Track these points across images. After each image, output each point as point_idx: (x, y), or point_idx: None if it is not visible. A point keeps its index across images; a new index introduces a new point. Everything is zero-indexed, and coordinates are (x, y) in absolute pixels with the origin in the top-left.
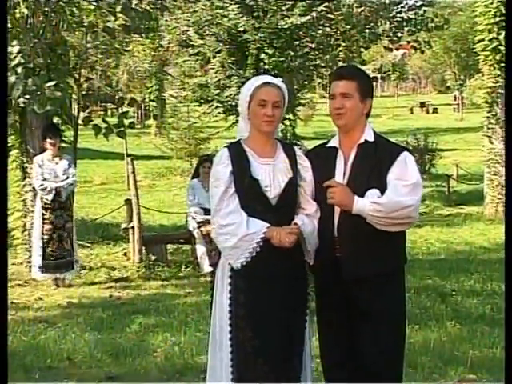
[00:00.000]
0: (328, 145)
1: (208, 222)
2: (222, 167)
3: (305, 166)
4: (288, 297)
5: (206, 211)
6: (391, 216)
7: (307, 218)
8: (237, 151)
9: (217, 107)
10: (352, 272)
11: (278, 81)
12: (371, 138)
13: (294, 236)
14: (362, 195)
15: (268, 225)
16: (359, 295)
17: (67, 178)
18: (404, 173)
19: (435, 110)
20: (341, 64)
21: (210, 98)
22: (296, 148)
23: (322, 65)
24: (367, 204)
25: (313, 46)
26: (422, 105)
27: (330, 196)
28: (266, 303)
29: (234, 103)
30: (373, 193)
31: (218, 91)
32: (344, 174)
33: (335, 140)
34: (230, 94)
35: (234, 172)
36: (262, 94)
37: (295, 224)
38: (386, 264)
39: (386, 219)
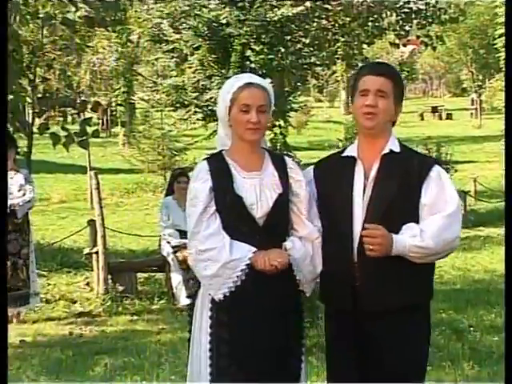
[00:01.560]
0: (344, 154)
1: (185, 246)
2: (201, 183)
3: (297, 180)
4: (279, 334)
5: (183, 234)
6: (436, 252)
7: (299, 242)
8: (218, 164)
9: (195, 113)
10: (374, 304)
11: (261, 80)
12: (397, 148)
13: (285, 260)
14: (385, 218)
15: (254, 249)
16: (377, 330)
17: (24, 194)
18: (441, 197)
19: (449, 116)
20: (339, 62)
21: (187, 102)
22: (287, 159)
23: (318, 63)
24: (408, 246)
25: (307, 41)
26: (434, 110)
27: (370, 248)
28: (253, 341)
29: (215, 108)
30: (412, 228)
31: (196, 94)
32: (364, 190)
33: (353, 148)
34: (211, 98)
35: (214, 188)
36: (245, 97)
37: (285, 248)
38: (413, 296)
39: (431, 257)
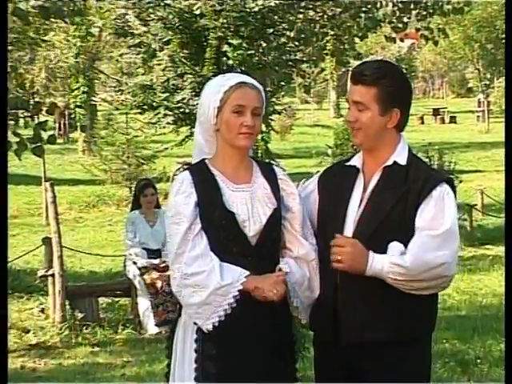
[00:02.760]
0: (349, 163)
1: (153, 267)
2: (184, 197)
3: (290, 193)
4: (273, 368)
5: (151, 253)
6: (418, 279)
7: (295, 264)
8: (202, 175)
9: (165, 115)
10: (354, 335)
11: (254, 81)
12: (403, 160)
13: (283, 286)
14: (375, 237)
15: (247, 272)
16: (364, 365)
17: None
18: (436, 217)
19: (453, 119)
20: (328, 59)
21: (155, 104)
22: (277, 169)
23: (304, 59)
24: (386, 264)
25: (291, 34)
26: (436, 112)
27: (335, 258)
28: (244, 375)
29: (187, 110)
30: (395, 247)
31: (166, 94)
32: (360, 203)
33: (358, 157)
34: (183, 99)
35: (200, 203)
36: (239, 97)
37: (280, 270)
38: (403, 330)
39: (412, 283)
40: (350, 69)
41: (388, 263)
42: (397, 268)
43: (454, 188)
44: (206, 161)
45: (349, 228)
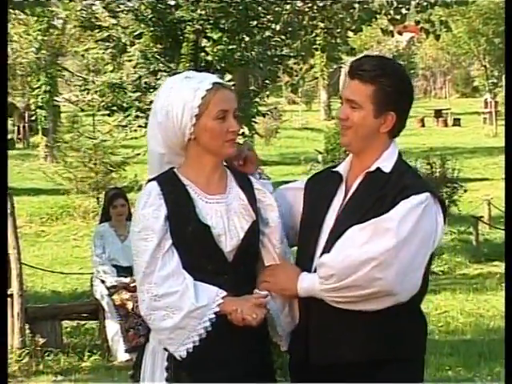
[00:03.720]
0: (336, 168)
1: (124, 286)
2: (152, 210)
3: (267, 204)
4: None
5: (121, 270)
6: (349, 284)
7: None
8: (172, 186)
9: (136, 117)
10: (324, 356)
11: (221, 79)
12: (387, 168)
13: (263, 310)
14: None
15: (224, 292)
16: None
17: None
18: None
19: (457, 122)
20: (318, 54)
21: (126, 105)
22: (253, 178)
23: (291, 55)
24: (316, 280)
25: (277, 27)
26: (438, 114)
27: (262, 282)
28: None
29: None
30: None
31: (137, 94)
32: (338, 211)
33: (346, 162)
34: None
35: (170, 216)
36: (221, 101)
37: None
38: (379, 350)
39: (344, 291)
40: (343, 65)
41: (317, 277)
42: (321, 270)
43: (442, 204)
44: (175, 170)
45: (324, 237)
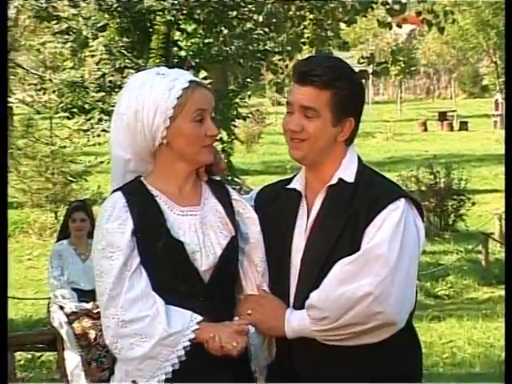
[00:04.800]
0: (289, 186)
1: (86, 313)
2: (117, 224)
3: (247, 217)
4: None
5: (82, 294)
6: (345, 323)
7: None
8: (139, 197)
9: (100, 121)
10: None
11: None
12: (350, 177)
13: (244, 338)
14: (324, 274)
15: (199, 317)
16: None
17: None
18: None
19: (464, 126)
20: (306, 50)
21: (88, 106)
22: (230, 188)
23: (276, 50)
24: (306, 318)
25: (260, 19)
26: (443, 116)
27: (246, 314)
28: None
29: None
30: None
31: (101, 94)
32: (305, 235)
33: (300, 177)
34: None
35: (138, 231)
36: (199, 101)
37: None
38: (373, 376)
39: (341, 330)
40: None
41: (306, 315)
42: (312, 312)
43: (418, 206)
44: (142, 178)
45: (294, 269)
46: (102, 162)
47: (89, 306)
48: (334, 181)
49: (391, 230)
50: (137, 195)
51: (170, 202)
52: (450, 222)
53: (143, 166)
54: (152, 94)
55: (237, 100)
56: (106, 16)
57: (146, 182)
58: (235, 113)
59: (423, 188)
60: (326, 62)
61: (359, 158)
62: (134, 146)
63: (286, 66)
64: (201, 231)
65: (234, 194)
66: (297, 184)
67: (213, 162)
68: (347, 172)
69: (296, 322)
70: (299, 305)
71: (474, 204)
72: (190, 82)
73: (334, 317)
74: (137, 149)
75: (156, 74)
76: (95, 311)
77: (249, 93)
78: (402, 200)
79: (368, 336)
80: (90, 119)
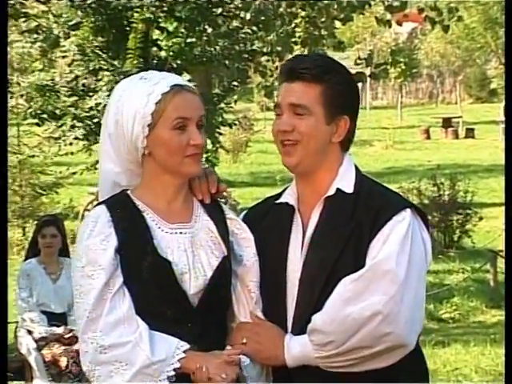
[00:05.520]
0: (280, 200)
1: (57, 338)
2: (100, 241)
3: (242, 238)
4: None
5: (53, 318)
6: (353, 347)
7: None
8: (125, 211)
9: (73, 128)
10: None
11: (185, 80)
12: (349, 187)
13: (235, 369)
14: (325, 296)
15: (186, 345)
16: None
17: None
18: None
19: (470, 133)
20: (298, 50)
21: (59, 112)
22: (224, 206)
23: (265, 51)
24: (308, 343)
25: (247, 16)
26: (447, 123)
27: (240, 344)
28: None
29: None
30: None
31: (73, 98)
32: (301, 253)
33: (291, 190)
34: (97, 104)
35: (122, 249)
36: (179, 107)
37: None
38: None
39: (349, 355)
40: None
41: (309, 342)
42: (315, 337)
43: (423, 216)
44: (129, 192)
45: (292, 291)
46: (74, 173)
47: (60, 330)
48: (331, 191)
49: (398, 243)
50: (122, 209)
51: (158, 218)
52: (456, 239)
53: (136, 179)
54: (131, 101)
55: (222, 105)
56: (79, 13)
57: (133, 195)
58: (220, 119)
59: (426, 201)
60: (315, 56)
61: (357, 167)
62: (120, 157)
63: (276, 68)
64: (190, 251)
65: (229, 213)
66: (288, 198)
67: (209, 184)
68: (345, 182)
69: (297, 349)
70: (299, 330)
71: (481, 219)
72: (173, 86)
73: (339, 341)
74: (124, 160)
75: (139, 79)
76: (67, 336)
77: (235, 97)
78: (408, 210)
79: (375, 361)
80: (61, 126)
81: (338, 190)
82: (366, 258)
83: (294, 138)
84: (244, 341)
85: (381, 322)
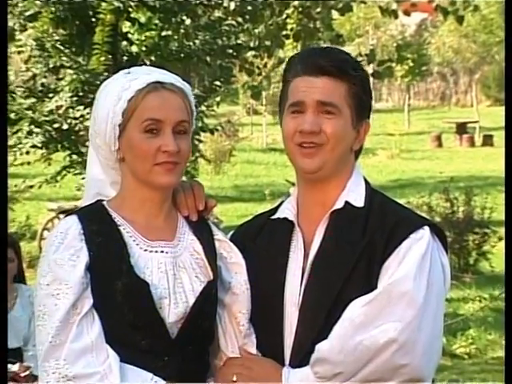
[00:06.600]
0: (276, 215)
1: (12, 376)
2: (69, 255)
3: (232, 263)
4: None
5: (11, 350)
6: (360, 379)
7: None
8: (99, 224)
9: (30, 134)
10: None
11: (174, 78)
12: (359, 200)
13: None
14: (329, 324)
15: (162, 381)
16: None
17: None
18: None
19: (488, 140)
20: (290, 45)
21: (14, 116)
22: (214, 226)
23: (252, 46)
24: (310, 373)
25: (232, 6)
26: (461, 129)
27: (231, 382)
28: None
29: (65, 126)
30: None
31: (31, 100)
32: (302, 277)
33: (289, 204)
34: (58, 107)
35: (93, 266)
36: (152, 107)
37: None
38: None
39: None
40: None
41: (312, 375)
42: (321, 368)
43: (442, 238)
44: (105, 203)
45: (290, 317)
46: (31, 187)
47: (15, 367)
48: (339, 205)
49: (416, 264)
50: (96, 222)
51: (137, 234)
52: (471, 262)
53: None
54: (107, 97)
55: (202, 108)
56: (38, 2)
57: (109, 206)
58: (200, 124)
59: (437, 219)
60: (336, 50)
61: (366, 180)
62: (102, 161)
63: (265, 65)
64: (172, 273)
65: (218, 233)
66: (287, 212)
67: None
68: (355, 195)
69: (297, 380)
70: (298, 362)
71: (500, 239)
72: (151, 83)
73: (349, 372)
74: (105, 166)
75: (122, 73)
76: (23, 375)
77: (217, 99)
78: (426, 229)
79: None
80: (16, 132)
81: (347, 203)
82: (379, 279)
83: (320, 140)
84: (234, 378)
85: (396, 352)
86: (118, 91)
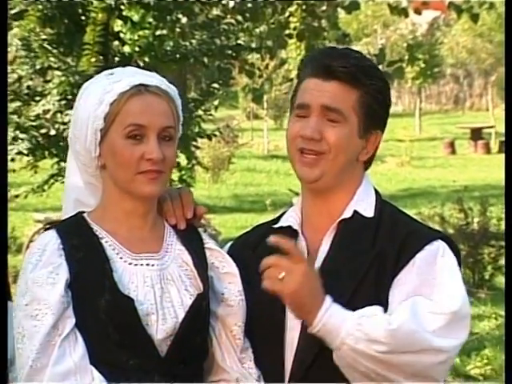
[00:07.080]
0: (279, 224)
1: None
2: (48, 272)
3: (225, 272)
4: None
5: None
6: (399, 361)
7: None
8: (79, 237)
9: (15, 140)
10: None
11: (161, 80)
12: (369, 210)
13: None
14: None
15: None
16: None
17: None
18: (428, 282)
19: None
20: (293, 43)
21: None
22: (204, 234)
23: (252, 46)
24: (350, 320)
25: (231, 4)
26: (476, 134)
27: (273, 276)
28: None
29: (53, 131)
30: (365, 310)
31: (17, 104)
32: None
33: (293, 213)
34: (45, 112)
35: (74, 283)
36: (135, 112)
37: None
38: None
39: (381, 364)
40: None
41: (355, 320)
42: (365, 321)
43: (455, 251)
44: (85, 215)
45: (291, 331)
46: (17, 196)
47: None
48: (347, 214)
49: (451, 277)
50: (76, 235)
51: (120, 247)
52: (487, 277)
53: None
54: (88, 99)
55: (199, 112)
56: (24, 0)
57: (90, 218)
58: (197, 129)
59: (450, 230)
60: (353, 53)
61: (376, 190)
62: (82, 171)
63: (266, 67)
64: (159, 287)
65: (209, 242)
66: (291, 221)
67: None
68: (364, 205)
69: (337, 320)
70: (300, 377)
71: None
72: (134, 86)
73: (389, 350)
74: (84, 173)
75: (105, 74)
76: None
77: (216, 102)
78: (441, 242)
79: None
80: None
81: (356, 212)
82: (391, 292)
83: (320, 148)
84: (281, 276)
85: (443, 361)
86: (99, 94)
